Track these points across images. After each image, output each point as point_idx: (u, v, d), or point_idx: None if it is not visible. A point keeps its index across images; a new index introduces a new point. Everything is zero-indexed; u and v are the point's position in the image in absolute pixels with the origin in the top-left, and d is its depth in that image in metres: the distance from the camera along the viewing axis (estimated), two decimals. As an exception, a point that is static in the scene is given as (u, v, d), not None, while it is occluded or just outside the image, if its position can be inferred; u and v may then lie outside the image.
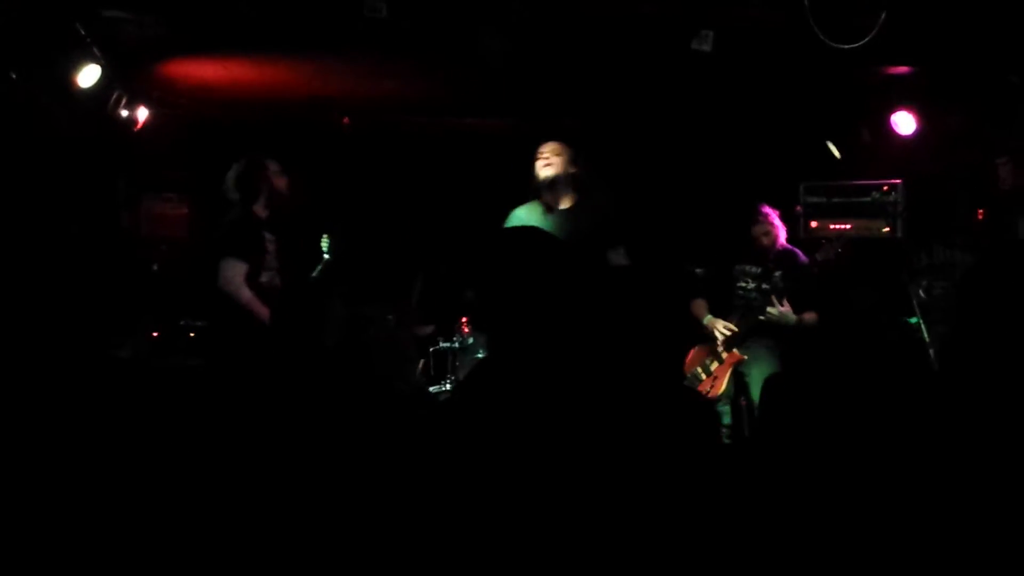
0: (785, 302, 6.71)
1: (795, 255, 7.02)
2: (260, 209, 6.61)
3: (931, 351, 6.85)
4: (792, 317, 6.73)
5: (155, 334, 7.76)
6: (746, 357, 6.85)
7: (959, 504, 3.15)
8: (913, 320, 7.05)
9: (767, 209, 7.07)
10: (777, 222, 7.06)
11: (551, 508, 2.64)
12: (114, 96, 7.59)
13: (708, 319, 7.02)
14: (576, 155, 6.11)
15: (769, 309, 6.72)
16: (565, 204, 6.06)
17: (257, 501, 4.10)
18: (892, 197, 7.74)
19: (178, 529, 4.01)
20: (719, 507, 3.15)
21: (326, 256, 7.26)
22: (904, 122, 7.67)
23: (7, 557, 3.78)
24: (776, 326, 6.78)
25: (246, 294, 6.39)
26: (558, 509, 2.64)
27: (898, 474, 3.41)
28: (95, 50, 6.80)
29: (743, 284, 6.98)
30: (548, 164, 6.02)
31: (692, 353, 7.15)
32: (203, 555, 3.81)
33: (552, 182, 6.02)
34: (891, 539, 3.10)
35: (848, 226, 7.74)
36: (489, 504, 2.65)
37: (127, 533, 3.98)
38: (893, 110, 7.68)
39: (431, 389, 7.98)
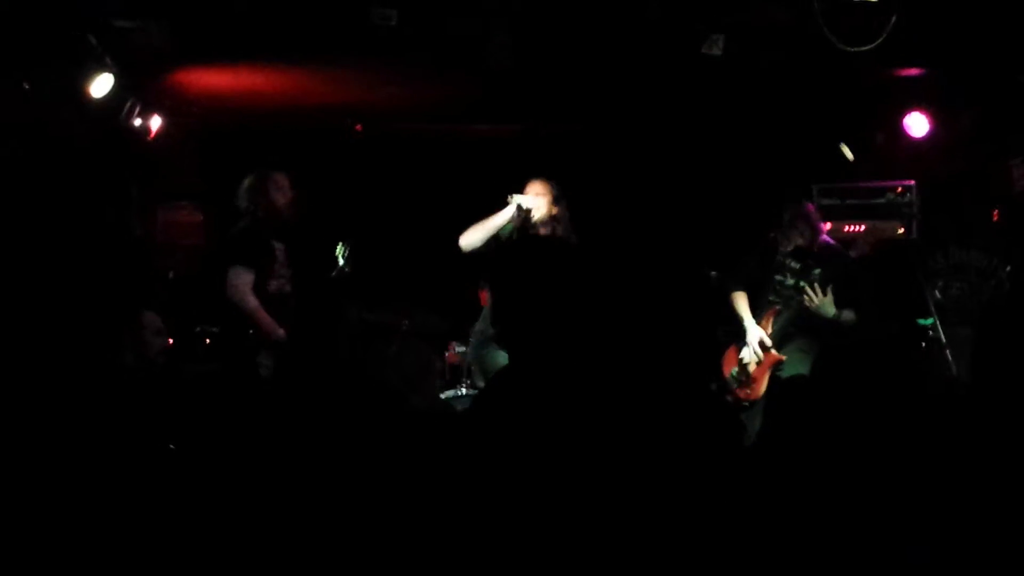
0: (828, 291, 6.56)
1: (837, 250, 6.88)
2: (266, 219, 6.67)
3: (947, 352, 6.81)
4: (831, 309, 6.59)
5: (171, 341, 7.78)
6: (785, 358, 6.74)
7: (969, 505, 3.13)
8: (929, 321, 7.01)
9: (809, 209, 6.91)
10: (817, 220, 6.90)
11: (573, 516, 2.63)
12: (127, 105, 7.61)
13: (748, 323, 6.87)
14: (560, 195, 6.46)
15: (806, 300, 6.58)
16: (545, 230, 6.41)
17: (265, 509, 4.10)
18: (906, 198, 7.73)
19: (187, 533, 4.02)
20: (740, 511, 3.14)
21: (341, 263, 7.27)
22: (917, 124, 7.66)
23: (14, 561, 3.79)
24: (811, 322, 6.67)
25: (252, 302, 6.48)
26: (580, 517, 2.63)
27: (909, 477, 3.39)
28: (107, 60, 6.83)
29: (780, 278, 6.84)
30: (535, 205, 6.39)
31: (729, 352, 7.05)
32: (210, 560, 3.80)
33: (535, 224, 6.40)
34: (902, 540, 3.08)
35: (862, 227, 7.72)
36: (510, 512, 2.65)
37: (136, 537, 3.98)
38: (906, 112, 7.67)
39: (447, 394, 7.94)
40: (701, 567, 2.77)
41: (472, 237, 6.45)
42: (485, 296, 8.40)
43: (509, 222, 6.40)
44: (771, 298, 6.87)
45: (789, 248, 6.81)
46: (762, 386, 6.75)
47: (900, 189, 7.70)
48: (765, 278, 6.93)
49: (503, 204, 6.43)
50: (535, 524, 2.65)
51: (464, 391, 7.90)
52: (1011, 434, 4.17)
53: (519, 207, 6.33)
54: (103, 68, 6.88)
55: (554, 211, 6.43)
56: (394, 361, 7.64)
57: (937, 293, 7.22)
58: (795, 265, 6.80)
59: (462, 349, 8.32)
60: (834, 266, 6.71)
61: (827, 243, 6.91)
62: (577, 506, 2.68)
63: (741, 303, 6.98)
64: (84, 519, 4.18)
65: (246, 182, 6.74)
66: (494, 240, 6.40)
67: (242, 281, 6.51)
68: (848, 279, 6.65)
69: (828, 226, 7.78)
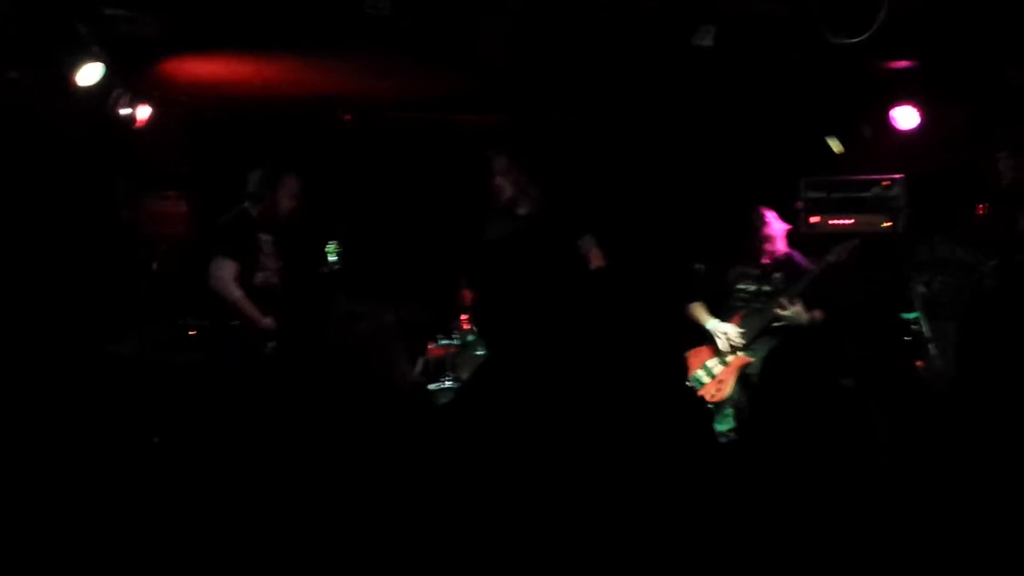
0: (797, 301, 6.71)
1: (793, 258, 7.01)
2: (256, 212, 6.66)
3: (931, 346, 6.84)
4: (804, 316, 6.71)
5: (156, 332, 7.76)
6: (754, 360, 6.80)
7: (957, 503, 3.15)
8: (914, 315, 7.03)
9: (769, 214, 7.05)
10: (778, 227, 7.05)
11: (553, 506, 2.64)
12: (114, 94, 7.58)
13: (712, 323, 6.95)
14: (518, 164, 6.56)
15: (780, 312, 6.71)
16: (523, 209, 6.53)
17: (256, 499, 4.09)
18: (893, 192, 7.73)
19: (175, 525, 4.01)
20: (714, 504, 3.15)
21: (332, 259, 7.27)
22: (905, 117, 7.67)
23: (7, 553, 3.78)
24: (785, 326, 6.76)
25: (235, 292, 6.48)
26: (559, 507, 2.64)
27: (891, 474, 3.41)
28: (95, 48, 6.79)
29: (743, 286, 6.96)
30: (501, 185, 6.51)
31: (691, 355, 7.08)
32: (199, 552, 3.80)
33: (508, 199, 6.51)
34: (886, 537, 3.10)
35: (849, 221, 7.73)
36: (491, 502, 2.65)
37: (122, 527, 3.97)
38: (894, 105, 7.68)
39: (430, 387, 7.96)
40: (677, 551, 2.79)
41: None
42: (468, 296, 8.42)
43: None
44: (736, 305, 6.96)
45: (751, 253, 6.93)
46: (728, 387, 6.80)
47: (887, 182, 7.70)
48: (726, 288, 7.02)
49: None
50: (514, 508, 2.66)
51: (448, 384, 7.91)
52: (996, 427, 4.20)
53: None
54: (91, 57, 6.85)
55: (518, 180, 6.50)
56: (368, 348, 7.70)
57: (922, 287, 7.24)
58: (755, 271, 6.92)
59: (446, 342, 8.32)
60: (791, 271, 6.83)
61: (785, 250, 7.11)
62: (556, 492, 2.69)
63: (699, 311, 7.07)
64: (74, 504, 4.17)
65: (260, 172, 6.72)
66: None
67: (225, 271, 6.51)
68: (808, 284, 6.82)
69: (815, 220, 7.83)
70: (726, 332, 6.89)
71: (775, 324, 6.82)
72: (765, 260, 6.98)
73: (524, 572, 2.94)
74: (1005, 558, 3.31)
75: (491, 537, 2.73)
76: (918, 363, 7.07)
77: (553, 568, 2.87)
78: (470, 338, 8.15)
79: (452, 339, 8.27)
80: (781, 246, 7.06)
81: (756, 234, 7.01)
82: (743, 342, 6.84)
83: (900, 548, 3.42)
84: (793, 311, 6.71)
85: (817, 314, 6.80)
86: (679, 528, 2.84)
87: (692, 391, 6.92)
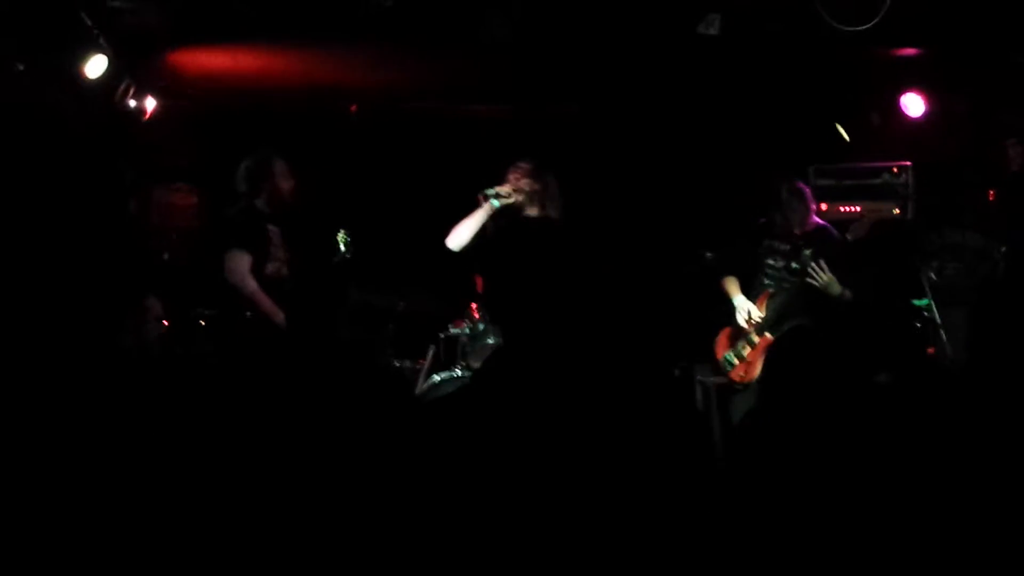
0: (828, 269, 6.53)
1: (827, 230, 6.82)
2: (261, 203, 6.66)
3: (942, 332, 6.82)
4: (837, 287, 6.54)
5: (166, 323, 7.78)
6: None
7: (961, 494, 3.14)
8: (924, 302, 7.01)
9: (803, 186, 6.88)
10: (811, 200, 6.88)
11: (561, 498, 2.64)
12: (122, 86, 7.60)
13: (737, 300, 6.85)
14: (540, 172, 6.33)
15: (815, 271, 6.49)
16: (532, 212, 6.33)
17: (265, 493, 4.10)
18: (902, 179, 7.73)
19: (184, 515, 4.02)
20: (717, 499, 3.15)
21: (343, 249, 7.25)
22: (913, 104, 7.66)
23: (10, 544, 3.80)
24: (807, 303, 6.63)
25: (251, 285, 6.47)
26: (568, 499, 2.64)
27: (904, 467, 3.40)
28: (102, 40, 6.81)
29: (771, 261, 6.81)
30: (518, 185, 6.28)
31: (723, 335, 7.00)
32: (210, 544, 3.81)
33: (523, 201, 6.28)
34: (895, 530, 3.09)
35: (858, 208, 7.73)
36: (498, 495, 2.66)
37: (130, 518, 3.98)
38: (902, 92, 7.67)
39: (441, 375, 7.95)
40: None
41: (459, 237, 6.40)
42: (481, 282, 8.40)
43: (490, 217, 6.37)
44: (765, 282, 6.85)
45: (782, 227, 6.79)
46: (756, 369, 6.72)
47: (896, 169, 7.70)
48: (756, 263, 6.90)
49: (500, 182, 6.41)
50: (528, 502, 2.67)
51: (459, 372, 7.91)
52: (1007, 412, 4.18)
53: (496, 198, 6.33)
54: (98, 49, 6.87)
55: (536, 187, 6.39)
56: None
57: (932, 274, 7.22)
58: (784, 247, 6.78)
59: (457, 331, 8.30)
60: (824, 246, 6.68)
61: (818, 223, 6.89)
62: (564, 484, 2.70)
63: (731, 285, 6.94)
64: (85, 501, 4.18)
65: (247, 165, 6.71)
66: (481, 234, 6.36)
67: (240, 264, 6.50)
68: (839, 260, 6.63)
69: (823, 207, 7.80)
70: (742, 310, 6.79)
71: (807, 297, 6.66)
72: (796, 233, 6.80)
73: (532, 564, 2.94)
74: (1016, 548, 3.30)
75: (496, 530, 2.74)
76: (929, 349, 7.05)
77: (562, 558, 2.87)
78: (481, 327, 8.14)
79: (463, 328, 8.26)
80: (813, 220, 6.88)
81: (789, 207, 6.82)
82: (759, 323, 6.74)
83: (913, 540, 3.41)
84: (827, 277, 6.52)
85: (847, 293, 6.63)
86: (680, 522, 2.84)
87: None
